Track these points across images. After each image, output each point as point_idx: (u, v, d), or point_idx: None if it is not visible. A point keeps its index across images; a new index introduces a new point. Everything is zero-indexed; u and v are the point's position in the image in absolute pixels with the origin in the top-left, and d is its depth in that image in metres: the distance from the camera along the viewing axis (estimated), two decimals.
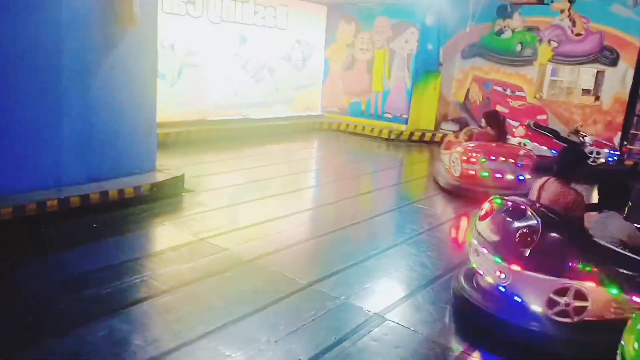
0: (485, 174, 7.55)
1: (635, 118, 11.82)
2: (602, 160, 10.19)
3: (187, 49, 10.92)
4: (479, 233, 4.00)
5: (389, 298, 4.24)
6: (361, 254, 5.12)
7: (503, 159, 7.61)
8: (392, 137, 12.74)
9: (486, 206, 4.10)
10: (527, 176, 7.62)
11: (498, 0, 12.30)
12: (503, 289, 3.73)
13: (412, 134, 12.94)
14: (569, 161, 4.11)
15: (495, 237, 3.86)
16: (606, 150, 10.28)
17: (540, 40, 12.53)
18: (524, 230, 3.62)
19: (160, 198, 6.35)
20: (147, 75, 6.58)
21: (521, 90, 12.99)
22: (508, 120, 12.87)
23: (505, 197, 4.06)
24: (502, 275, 3.68)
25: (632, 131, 11.71)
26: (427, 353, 3.53)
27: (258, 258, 4.82)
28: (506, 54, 13.08)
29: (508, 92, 13.21)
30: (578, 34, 12.01)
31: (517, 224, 3.71)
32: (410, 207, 7.17)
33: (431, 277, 4.71)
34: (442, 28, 13.17)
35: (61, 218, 5.40)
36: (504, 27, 13.04)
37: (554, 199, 3.93)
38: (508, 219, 3.82)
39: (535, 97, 12.80)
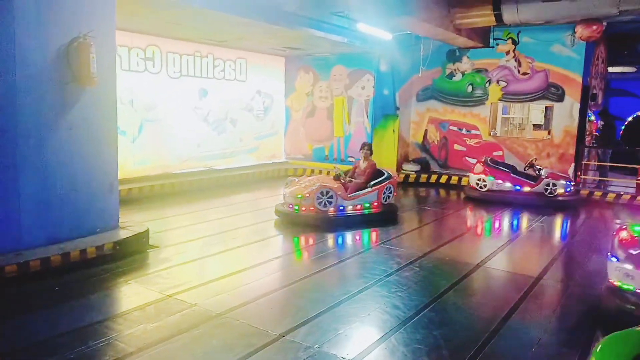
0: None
1: (586, 149, 12.44)
2: (561, 190, 10.54)
3: (147, 104, 10.95)
4: (624, 259, 4.54)
5: (363, 343, 4.21)
6: (332, 299, 5.10)
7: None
8: None
9: (624, 234, 4.72)
10: None
11: (446, 45, 12.88)
12: None
13: None
14: None
15: None
16: (562, 182, 10.64)
17: (490, 81, 13.16)
18: None
19: (124, 256, 6.21)
20: (107, 133, 6.54)
21: (476, 128, 13.51)
22: (466, 157, 13.40)
23: None
24: None
25: (584, 162, 12.28)
26: None
27: (227, 312, 4.73)
28: (458, 95, 13.68)
29: (464, 131, 13.72)
30: (524, 73, 12.68)
31: None
32: (379, 248, 7.23)
33: (403, 317, 4.71)
34: (396, 74, 13.69)
35: (21, 283, 5.21)
36: (454, 70, 13.68)
37: None
38: None
39: (489, 134, 13.31)
